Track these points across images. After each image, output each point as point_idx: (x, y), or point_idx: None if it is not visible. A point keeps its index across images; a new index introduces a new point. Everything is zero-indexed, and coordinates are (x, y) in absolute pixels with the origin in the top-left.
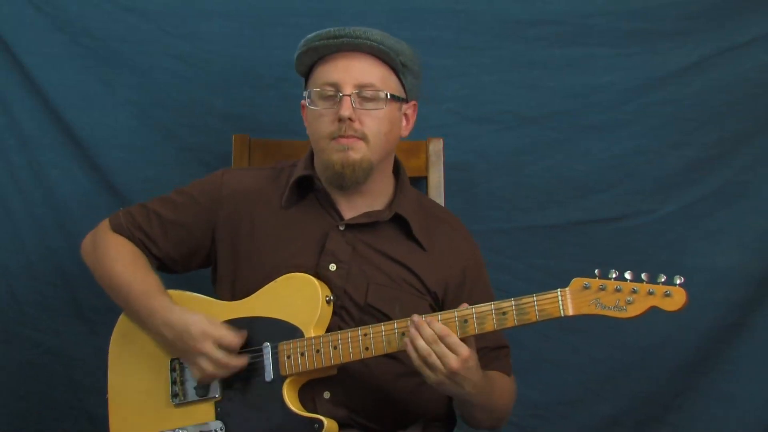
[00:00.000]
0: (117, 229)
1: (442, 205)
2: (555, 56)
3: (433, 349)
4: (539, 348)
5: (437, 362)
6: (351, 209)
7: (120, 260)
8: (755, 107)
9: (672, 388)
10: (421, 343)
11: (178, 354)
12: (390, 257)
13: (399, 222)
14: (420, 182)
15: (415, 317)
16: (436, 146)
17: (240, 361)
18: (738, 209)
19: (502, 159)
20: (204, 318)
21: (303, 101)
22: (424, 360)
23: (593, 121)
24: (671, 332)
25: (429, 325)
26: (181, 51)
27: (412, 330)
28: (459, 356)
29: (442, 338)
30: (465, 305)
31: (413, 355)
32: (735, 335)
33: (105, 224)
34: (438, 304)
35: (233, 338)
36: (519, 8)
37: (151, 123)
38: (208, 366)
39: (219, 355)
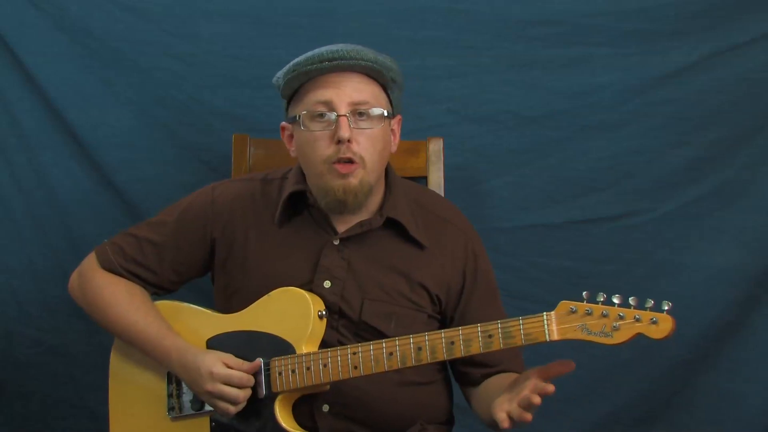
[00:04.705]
0: (106, 265)
1: None
2: (555, 56)
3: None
4: (537, 345)
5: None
6: (345, 222)
7: (116, 304)
8: (755, 107)
9: (671, 385)
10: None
11: (200, 395)
12: (387, 266)
13: (393, 225)
14: (420, 182)
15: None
16: (436, 146)
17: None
18: (738, 208)
19: (502, 159)
20: (215, 358)
21: (284, 123)
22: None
23: (593, 121)
24: None
25: None
26: (181, 51)
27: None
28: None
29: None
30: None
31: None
32: (734, 333)
33: (91, 261)
34: (441, 308)
35: (240, 376)
36: (519, 8)
37: (152, 123)
38: (224, 405)
39: (229, 391)
